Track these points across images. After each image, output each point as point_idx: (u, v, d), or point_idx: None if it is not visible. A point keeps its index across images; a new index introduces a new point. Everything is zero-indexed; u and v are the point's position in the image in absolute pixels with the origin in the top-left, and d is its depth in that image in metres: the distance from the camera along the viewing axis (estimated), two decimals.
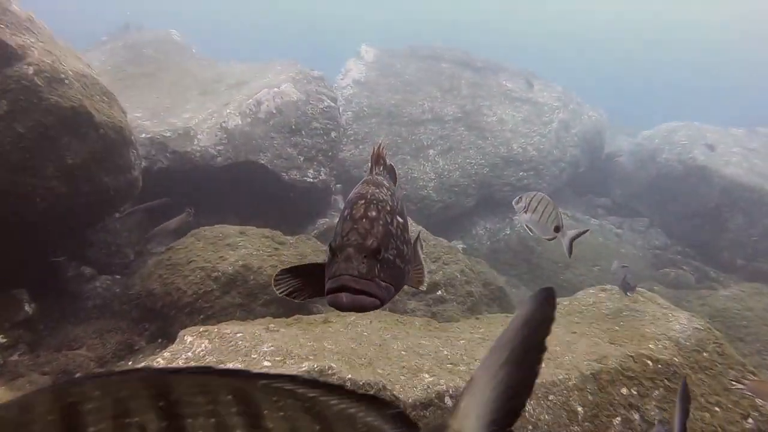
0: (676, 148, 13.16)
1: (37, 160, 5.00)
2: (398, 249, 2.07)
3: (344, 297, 1.76)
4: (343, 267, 1.81)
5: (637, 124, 18.29)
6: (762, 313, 8.69)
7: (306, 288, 2.31)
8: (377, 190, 2.24)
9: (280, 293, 2.31)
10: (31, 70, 4.89)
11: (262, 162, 8.70)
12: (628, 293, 5.47)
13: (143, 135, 7.95)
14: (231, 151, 8.45)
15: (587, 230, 5.24)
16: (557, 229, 4.68)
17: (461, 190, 11.69)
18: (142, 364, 3.28)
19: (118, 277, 7.09)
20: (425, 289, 7.14)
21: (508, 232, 11.90)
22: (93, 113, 5.34)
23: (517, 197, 4.85)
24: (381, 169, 2.54)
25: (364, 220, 2.01)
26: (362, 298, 1.78)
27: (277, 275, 2.34)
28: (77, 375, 5.03)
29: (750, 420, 4.40)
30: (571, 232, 4.77)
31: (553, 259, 11.38)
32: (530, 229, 4.84)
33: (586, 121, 13.83)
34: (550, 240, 4.82)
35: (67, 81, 5.22)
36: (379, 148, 2.60)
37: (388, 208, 2.16)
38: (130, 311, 6.01)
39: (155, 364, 3.26)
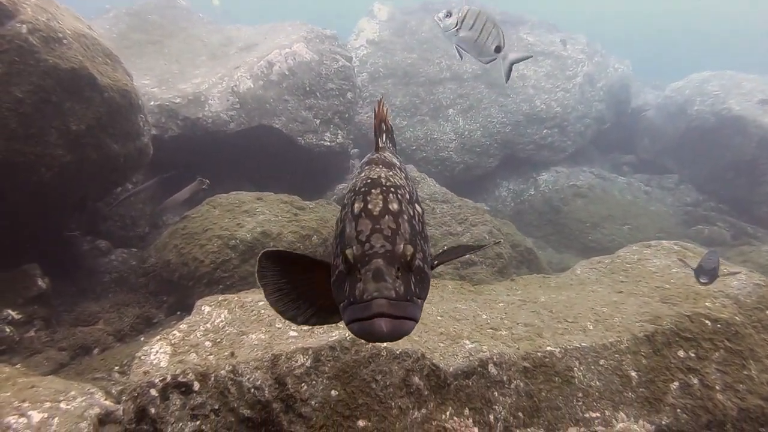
0: (709, 99, 12.46)
1: (39, 127, 4.68)
2: (423, 251, 1.68)
3: (383, 325, 1.37)
4: (374, 288, 1.41)
5: (664, 77, 17.48)
6: None
7: (302, 299, 1.94)
8: (391, 173, 1.82)
9: (270, 301, 1.91)
10: (24, 28, 4.53)
11: (277, 126, 8.32)
12: (701, 279, 4.28)
13: (152, 102, 7.61)
14: (244, 115, 8.08)
15: (530, 55, 4.48)
16: (498, 50, 3.84)
17: (483, 151, 11.24)
18: (157, 337, 3.00)
19: (134, 250, 6.86)
20: None
21: (532, 193, 11.49)
22: (95, 75, 4.98)
23: (445, 11, 3.90)
24: (385, 139, 2.12)
25: (387, 216, 1.58)
26: (403, 324, 1.41)
27: (261, 263, 1.91)
28: (95, 350, 4.83)
29: None
30: (513, 55, 3.96)
31: (579, 218, 10.96)
32: (461, 52, 3.94)
33: (611, 74, 13.15)
34: (487, 63, 4.03)
35: (65, 41, 4.86)
36: (381, 108, 2.11)
37: (408, 197, 1.77)
38: (147, 284, 5.78)
39: (171, 337, 2.98)
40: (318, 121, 8.79)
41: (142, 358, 2.84)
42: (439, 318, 3.78)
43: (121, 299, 5.56)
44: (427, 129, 11.16)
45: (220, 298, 3.49)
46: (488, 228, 7.04)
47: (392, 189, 1.72)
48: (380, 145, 2.04)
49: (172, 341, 2.93)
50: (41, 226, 5.43)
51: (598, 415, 3.58)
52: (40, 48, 4.60)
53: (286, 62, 8.70)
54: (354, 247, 1.51)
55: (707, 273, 4.22)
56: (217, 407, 2.74)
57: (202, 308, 3.36)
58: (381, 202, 1.64)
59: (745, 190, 12.05)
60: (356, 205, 1.63)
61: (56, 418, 2.56)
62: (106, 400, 3.01)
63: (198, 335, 2.99)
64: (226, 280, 5.28)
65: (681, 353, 3.88)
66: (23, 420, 2.47)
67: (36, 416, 2.51)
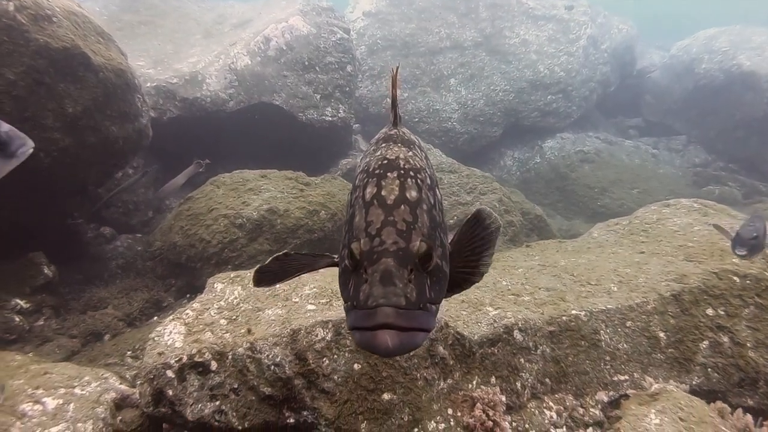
0: (717, 56, 12.15)
1: (35, 110, 4.51)
2: (443, 245, 1.47)
3: (388, 339, 1.18)
4: (381, 293, 1.21)
5: (667, 38, 17.08)
6: None
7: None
8: (411, 154, 1.61)
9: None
10: (11, 6, 4.32)
11: (277, 103, 8.12)
12: (738, 251, 3.53)
13: (149, 84, 7.40)
14: (243, 93, 7.87)
15: None
16: None
17: (486, 120, 11.02)
18: (170, 317, 2.88)
19: (139, 235, 6.74)
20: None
21: (538, 161, 11.29)
22: (89, 54, 4.79)
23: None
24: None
25: (402, 206, 1.37)
26: (412, 337, 1.21)
27: (258, 273, 1.78)
28: (106, 336, 4.74)
29: None
30: None
31: (587, 184, 10.79)
32: None
33: (615, 35, 12.82)
34: None
35: (55, 18, 4.65)
36: (397, 76, 1.86)
37: (429, 182, 1.56)
38: (154, 268, 5.66)
39: (184, 317, 2.87)
40: (318, 96, 8.57)
41: (156, 339, 2.73)
42: None
43: (129, 284, 5.45)
44: (428, 100, 10.93)
45: (232, 275, 3.37)
46: (498, 196, 6.89)
47: (411, 173, 1.51)
48: (398, 119, 1.85)
49: (186, 321, 2.81)
50: (43, 213, 5.30)
51: (627, 377, 3.48)
52: (29, 26, 4.41)
53: (283, 37, 8.45)
54: (362, 241, 1.31)
55: (746, 243, 3.44)
56: (236, 386, 2.64)
57: (215, 286, 3.24)
58: (397, 188, 1.44)
59: (757, 147, 11.82)
60: (368, 190, 1.44)
61: (72, 404, 2.46)
62: (121, 384, 2.91)
63: (212, 313, 2.88)
64: (234, 259, 5.16)
65: (710, 311, 3.76)
66: (38, 407, 2.38)
67: (51, 403, 2.42)
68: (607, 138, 12.30)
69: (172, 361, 2.59)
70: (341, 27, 9.23)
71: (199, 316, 2.86)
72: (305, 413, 2.63)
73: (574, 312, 3.51)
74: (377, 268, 1.25)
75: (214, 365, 2.62)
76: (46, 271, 4.92)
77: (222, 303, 3.01)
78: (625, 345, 3.54)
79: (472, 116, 10.89)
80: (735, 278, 3.87)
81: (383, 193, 1.41)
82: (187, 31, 9.65)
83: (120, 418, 2.67)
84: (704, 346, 3.67)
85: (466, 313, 3.22)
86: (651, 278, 3.92)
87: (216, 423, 2.57)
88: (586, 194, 10.65)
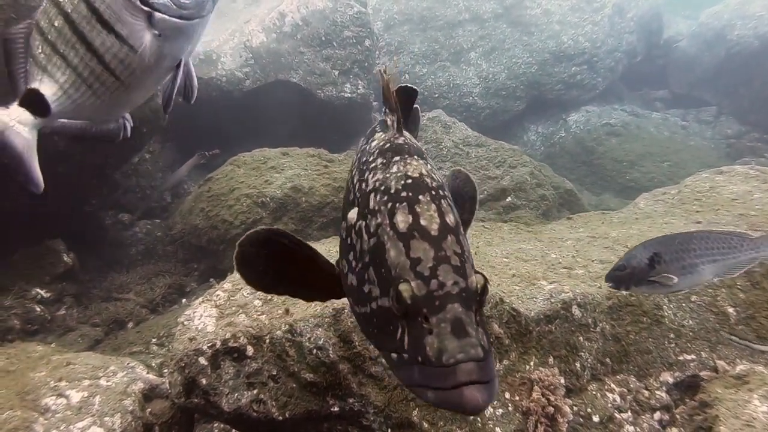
0: (751, 22, 11.57)
1: None
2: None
3: (478, 397, 1.04)
4: (458, 347, 1.07)
5: (693, 8, 16.41)
6: None
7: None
8: (429, 167, 1.41)
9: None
10: None
11: (294, 80, 7.84)
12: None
13: None
14: (259, 71, 7.60)
15: None
16: None
17: (509, 94, 10.63)
18: (200, 300, 2.65)
19: (158, 221, 6.55)
20: None
21: (563, 135, 10.90)
22: None
23: None
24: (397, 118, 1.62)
25: (449, 237, 1.20)
26: (495, 386, 1.10)
27: (242, 244, 1.58)
28: (129, 323, 4.55)
29: None
30: None
31: (615, 158, 10.40)
32: None
33: (642, 2, 12.27)
34: None
35: None
36: (386, 83, 1.60)
37: (450, 197, 1.38)
38: (176, 252, 5.47)
39: (215, 298, 2.63)
40: (337, 72, 8.27)
41: (186, 323, 2.49)
42: (505, 260, 3.37)
43: (151, 270, 5.27)
44: (449, 75, 10.56)
45: None
46: (529, 169, 6.57)
47: (441, 192, 1.32)
48: (400, 125, 1.59)
49: (217, 303, 2.58)
50: (60, 199, 5.10)
51: (694, 357, 3.18)
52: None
53: (299, 12, 8.13)
54: (413, 284, 1.13)
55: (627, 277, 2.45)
56: (275, 373, 2.40)
57: None
58: (436, 214, 1.24)
59: None
60: (400, 218, 1.22)
61: (98, 397, 2.25)
62: (148, 373, 2.69)
63: (245, 294, 2.63)
64: None
65: None
66: (62, 401, 2.17)
67: (75, 396, 2.21)
68: (633, 110, 11.85)
69: (205, 347, 2.36)
70: (358, 0, 8.87)
71: (231, 297, 2.62)
72: (351, 400, 2.39)
73: None
74: (445, 317, 1.11)
75: (250, 350, 2.38)
76: (65, 259, 4.74)
77: None
78: (690, 321, 3.24)
79: (493, 90, 10.52)
80: None
81: (423, 222, 1.22)
82: None
83: (149, 410, 2.46)
84: None
85: (519, 288, 2.94)
86: None
87: (254, 413, 2.34)
88: (614, 168, 10.27)
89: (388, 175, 1.37)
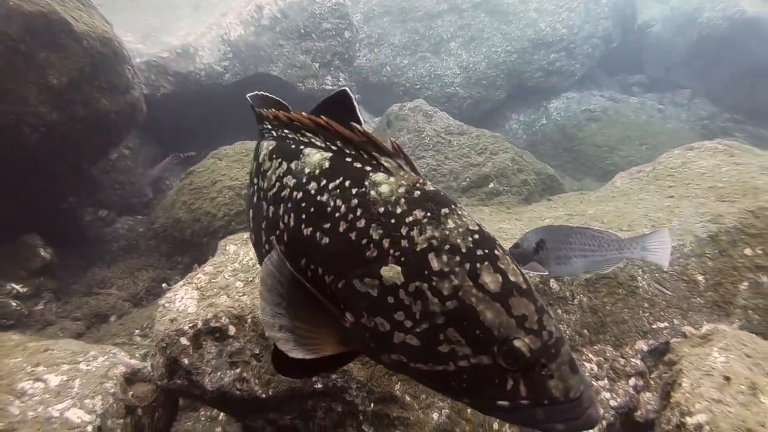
0: (720, 4, 11.78)
1: (14, 82, 4.24)
2: None
3: (597, 413, 1.27)
4: (579, 381, 1.27)
5: None
6: None
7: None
8: (474, 215, 1.46)
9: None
10: None
11: (275, 73, 7.83)
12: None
13: (138, 60, 7.07)
14: (238, 65, 7.57)
15: None
16: None
17: (490, 83, 10.70)
18: (181, 283, 2.67)
19: (140, 217, 6.51)
20: None
21: (544, 122, 11.02)
22: (69, 21, 4.50)
23: None
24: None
25: (531, 285, 1.34)
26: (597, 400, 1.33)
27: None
28: (112, 317, 4.54)
29: None
30: None
31: (595, 143, 10.55)
32: None
33: None
34: None
35: None
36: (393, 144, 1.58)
37: None
38: (159, 246, 5.45)
39: (196, 281, 2.65)
40: (317, 65, 8.27)
41: (167, 305, 2.51)
42: None
43: (133, 264, 5.25)
44: (430, 66, 10.60)
45: (245, 236, 3.14)
46: (510, 155, 6.63)
47: (496, 239, 1.40)
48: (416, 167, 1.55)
49: (199, 285, 2.60)
50: (36, 194, 5.06)
51: (667, 324, 3.28)
52: None
53: (276, 4, 8.10)
54: (527, 340, 1.23)
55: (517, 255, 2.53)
56: (257, 352, 2.43)
57: (227, 248, 3.01)
58: (513, 265, 1.34)
59: (763, 96, 11.56)
60: (488, 279, 1.27)
61: (77, 380, 2.25)
62: (131, 358, 2.70)
63: (226, 276, 2.66)
64: (242, 231, 4.93)
65: (748, 251, 3.55)
66: (39, 384, 2.17)
67: (53, 380, 2.21)
68: (612, 96, 12.01)
69: (186, 327, 2.38)
70: None
71: (213, 280, 2.64)
72: (334, 377, 2.43)
73: None
74: (562, 360, 1.26)
75: (232, 330, 2.41)
76: (42, 254, 4.71)
77: (236, 265, 2.78)
78: (663, 290, 3.33)
79: (474, 80, 10.58)
80: None
81: (512, 278, 1.30)
82: (173, 4, 9.27)
83: (132, 393, 2.47)
84: (743, 287, 3.46)
85: None
86: (685, 220, 3.70)
87: (238, 392, 2.37)
88: (594, 153, 10.43)
89: (447, 233, 1.34)
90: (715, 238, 3.53)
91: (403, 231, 1.37)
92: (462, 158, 6.62)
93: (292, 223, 1.60)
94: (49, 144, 4.58)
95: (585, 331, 3.14)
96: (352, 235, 1.43)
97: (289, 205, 1.62)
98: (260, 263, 1.79)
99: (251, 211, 1.95)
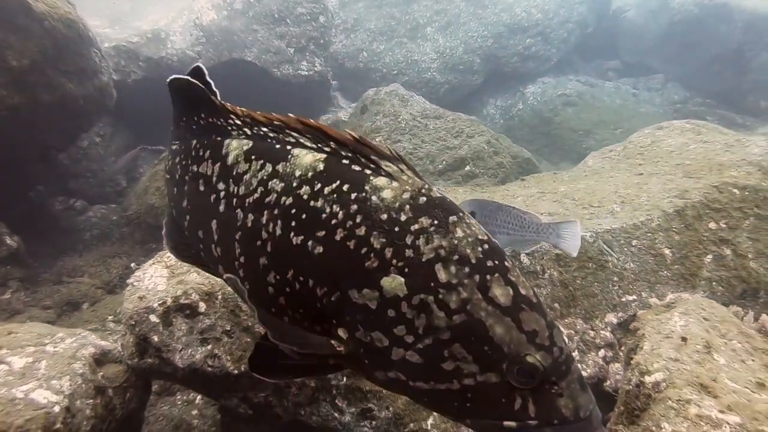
0: None
1: None
2: None
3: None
4: (589, 399, 1.22)
5: None
6: None
7: None
8: (476, 222, 1.39)
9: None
10: None
11: (249, 59, 7.73)
12: None
13: (107, 45, 6.92)
14: (212, 50, 7.47)
15: None
16: None
17: (467, 68, 10.71)
18: (150, 261, 2.64)
19: (113, 206, 6.41)
20: None
21: (520, 107, 11.09)
22: (28, 0, 4.37)
23: None
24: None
25: (540, 297, 1.35)
26: None
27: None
28: (84, 305, 4.48)
29: None
30: None
31: (572, 127, 10.67)
32: None
33: None
34: None
35: None
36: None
37: None
38: (132, 233, 5.38)
39: (165, 259, 2.63)
40: (292, 50, 8.18)
41: (135, 284, 2.49)
42: None
43: (106, 252, 5.18)
44: (406, 51, 10.57)
45: None
46: (486, 138, 6.68)
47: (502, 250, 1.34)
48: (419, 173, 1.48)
49: (168, 264, 2.58)
50: (1, 181, 4.94)
51: (635, 297, 3.36)
52: None
53: None
54: (539, 356, 1.17)
55: None
56: (228, 328, 2.42)
57: None
58: (523, 278, 1.27)
59: (733, 80, 11.78)
60: (499, 292, 1.20)
61: (43, 362, 2.22)
62: (101, 340, 2.67)
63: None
64: None
65: (712, 225, 3.64)
66: (3, 367, 2.13)
67: (18, 362, 2.17)
68: (587, 80, 12.12)
69: (156, 305, 2.36)
70: None
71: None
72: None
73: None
74: (573, 377, 1.21)
75: (202, 307, 2.39)
76: (8, 242, 4.61)
77: None
78: (632, 264, 3.41)
79: (451, 65, 10.58)
80: (735, 190, 3.75)
81: (523, 291, 1.23)
82: None
83: (101, 373, 2.44)
84: (708, 260, 3.56)
85: None
86: (653, 196, 3.78)
87: (209, 368, 2.36)
88: (570, 137, 10.54)
89: (455, 242, 1.26)
90: (682, 213, 3.62)
91: (408, 240, 1.28)
92: (438, 141, 6.65)
93: (279, 232, 1.44)
94: (13, 128, 4.48)
95: (556, 305, 3.19)
96: (351, 244, 1.32)
97: (276, 211, 1.46)
98: (227, 280, 1.60)
99: (214, 221, 1.67)
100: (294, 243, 1.41)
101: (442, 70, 10.50)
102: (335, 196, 1.38)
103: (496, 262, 1.25)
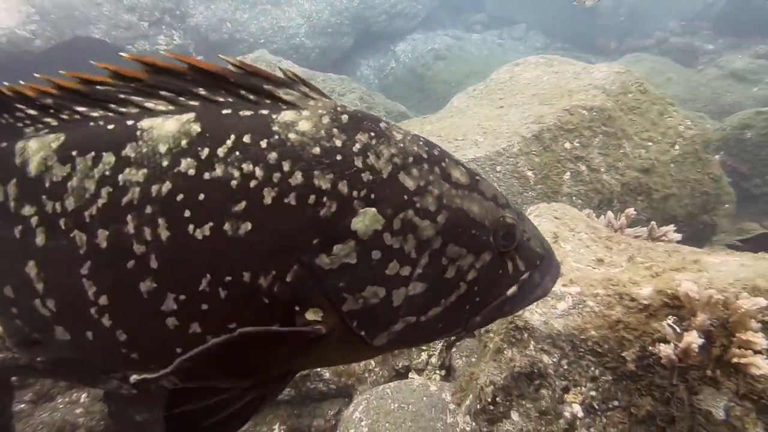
0: None
1: None
2: None
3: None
4: (539, 231, 1.30)
5: None
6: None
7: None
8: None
9: None
10: None
11: (97, 36, 7.11)
12: None
13: None
14: (50, 29, 6.74)
15: None
16: None
17: (335, 30, 10.63)
18: None
19: None
20: None
21: (393, 65, 11.26)
22: None
23: None
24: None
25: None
26: None
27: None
28: None
29: (677, 147, 4.35)
30: None
31: (444, 80, 11.03)
32: None
33: None
34: None
35: None
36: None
37: None
38: None
39: None
40: (146, 24, 7.63)
41: None
42: None
43: None
44: (272, 18, 10.23)
45: None
46: (358, 95, 6.72)
47: None
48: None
49: None
50: None
51: None
52: None
53: None
54: (508, 213, 1.16)
55: None
56: None
57: None
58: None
59: (584, 25, 12.82)
60: (456, 173, 1.14)
61: None
62: None
63: None
64: None
65: (567, 145, 3.94)
66: None
67: None
68: (455, 34, 12.54)
69: None
70: None
71: None
72: None
73: None
74: (526, 218, 1.30)
75: None
76: None
77: None
78: (499, 188, 3.61)
79: (319, 29, 10.43)
80: (584, 112, 4.07)
81: (463, 168, 1.25)
82: None
83: None
84: (567, 177, 3.86)
85: None
86: (512, 125, 4.01)
87: None
88: (444, 90, 10.87)
89: (402, 145, 1.13)
90: (539, 137, 3.88)
91: (359, 163, 1.09)
92: None
93: (165, 235, 1.08)
94: None
95: None
96: (291, 199, 1.06)
97: (149, 210, 1.09)
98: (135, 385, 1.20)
99: (30, 264, 1.16)
100: (198, 239, 1.07)
101: (310, 35, 10.33)
102: (238, 153, 1.08)
103: (435, 147, 1.18)
